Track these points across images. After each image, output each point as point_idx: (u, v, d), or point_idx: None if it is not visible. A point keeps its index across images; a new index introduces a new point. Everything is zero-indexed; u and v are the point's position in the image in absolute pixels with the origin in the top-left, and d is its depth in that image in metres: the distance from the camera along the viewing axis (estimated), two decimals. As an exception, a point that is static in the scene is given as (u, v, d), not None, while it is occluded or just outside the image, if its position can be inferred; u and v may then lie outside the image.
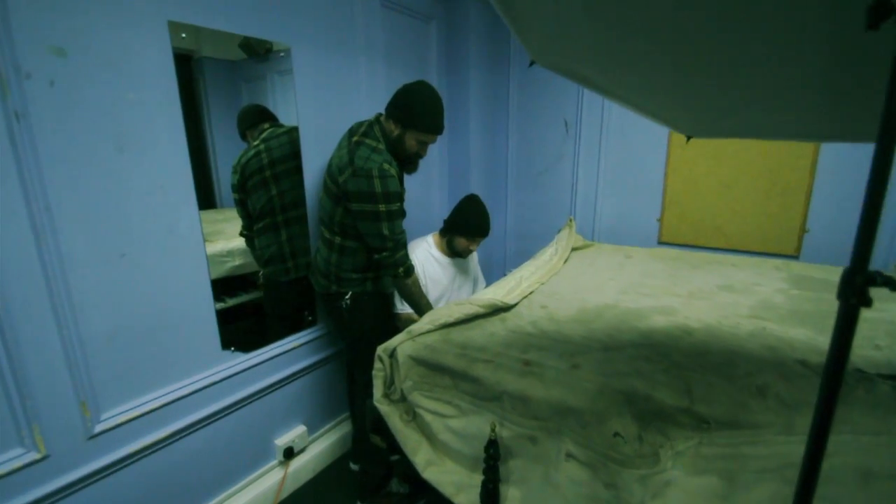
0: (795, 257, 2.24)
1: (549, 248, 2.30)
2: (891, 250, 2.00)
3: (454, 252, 2.08)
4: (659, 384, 1.05)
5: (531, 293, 1.71)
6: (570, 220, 2.50)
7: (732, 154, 2.26)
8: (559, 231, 2.48)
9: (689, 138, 1.22)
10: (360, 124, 1.67)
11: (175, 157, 1.42)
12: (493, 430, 1.04)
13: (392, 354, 1.29)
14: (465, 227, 2.00)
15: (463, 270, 2.20)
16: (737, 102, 0.89)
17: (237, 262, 1.96)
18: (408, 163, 1.72)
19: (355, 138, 1.60)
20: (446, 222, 2.08)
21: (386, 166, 1.52)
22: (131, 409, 1.40)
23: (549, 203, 2.82)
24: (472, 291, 2.31)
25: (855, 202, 2.06)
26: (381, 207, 1.53)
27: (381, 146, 1.59)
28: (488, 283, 2.36)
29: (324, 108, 1.94)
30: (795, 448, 0.98)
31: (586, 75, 0.95)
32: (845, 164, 2.05)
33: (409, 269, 1.67)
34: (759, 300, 1.61)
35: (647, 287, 1.76)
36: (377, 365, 1.28)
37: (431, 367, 1.23)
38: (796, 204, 2.18)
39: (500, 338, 1.31)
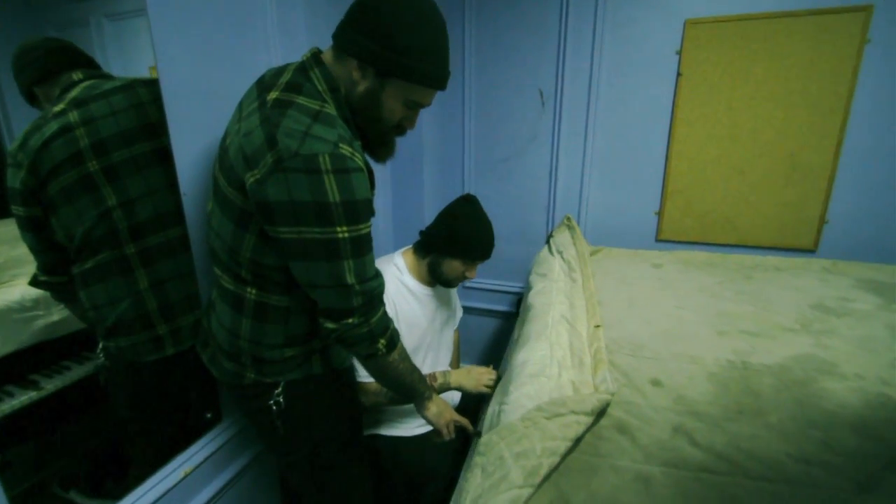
0: (812, 252, 1.95)
1: (551, 260, 1.69)
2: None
3: (439, 280, 1.36)
4: None
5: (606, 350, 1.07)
6: (569, 220, 1.92)
7: (750, 132, 1.88)
8: (551, 235, 1.89)
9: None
10: (278, 71, 0.84)
11: None
12: None
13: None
14: (464, 245, 1.29)
15: (444, 302, 1.49)
16: None
17: (57, 316, 1.11)
18: (380, 142, 0.94)
19: (273, 95, 0.78)
20: (427, 236, 1.35)
21: (344, 149, 0.74)
22: None
23: (521, 195, 2.22)
24: (453, 330, 1.61)
25: (882, 189, 1.80)
26: (341, 232, 0.75)
27: (330, 109, 0.80)
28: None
29: (207, 38, 1.06)
30: None
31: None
32: (874, 144, 1.78)
33: (394, 340, 0.91)
34: (893, 331, 1.18)
35: (739, 319, 1.24)
36: None
37: None
38: (816, 191, 1.88)
39: (667, 489, 0.65)
